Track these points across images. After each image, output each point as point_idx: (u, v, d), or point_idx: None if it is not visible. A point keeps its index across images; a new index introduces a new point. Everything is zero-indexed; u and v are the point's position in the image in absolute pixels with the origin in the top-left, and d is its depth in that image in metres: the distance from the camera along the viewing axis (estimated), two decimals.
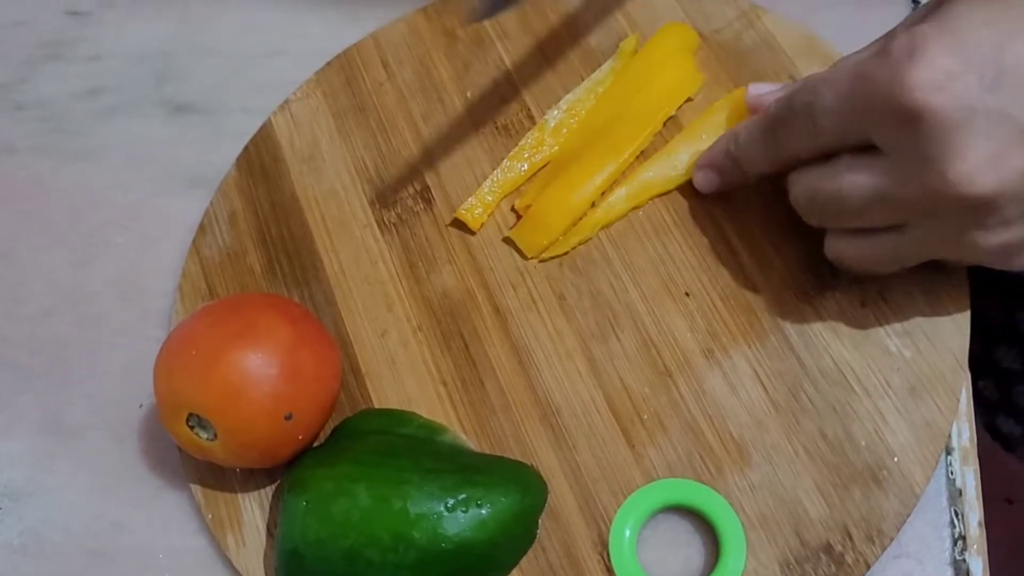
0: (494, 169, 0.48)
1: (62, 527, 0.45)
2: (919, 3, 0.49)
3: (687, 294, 0.44)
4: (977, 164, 0.32)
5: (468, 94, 0.51)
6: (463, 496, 0.38)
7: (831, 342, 0.42)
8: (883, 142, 0.35)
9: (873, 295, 0.42)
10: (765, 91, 0.43)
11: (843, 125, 0.36)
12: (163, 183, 0.53)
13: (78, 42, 0.59)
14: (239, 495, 0.43)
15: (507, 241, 0.47)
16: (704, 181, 0.45)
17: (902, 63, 0.33)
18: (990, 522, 0.39)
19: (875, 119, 0.35)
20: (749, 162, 0.42)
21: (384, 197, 0.49)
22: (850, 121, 0.36)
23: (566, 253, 0.46)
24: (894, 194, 0.35)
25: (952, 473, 0.40)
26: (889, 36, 0.38)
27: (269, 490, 0.43)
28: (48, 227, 0.53)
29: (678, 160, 0.46)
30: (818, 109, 0.36)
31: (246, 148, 0.52)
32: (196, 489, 0.44)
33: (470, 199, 0.47)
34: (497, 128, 0.50)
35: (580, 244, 0.46)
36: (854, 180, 0.36)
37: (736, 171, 0.43)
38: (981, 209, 0.34)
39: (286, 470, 0.42)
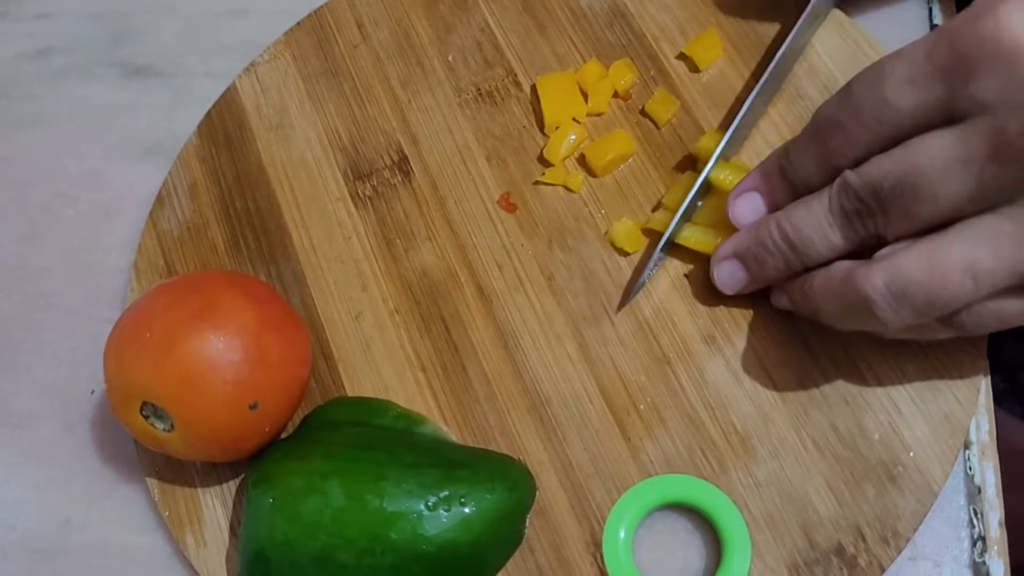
0: (477, 138, 0.46)
1: (7, 524, 0.43)
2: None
3: (686, 275, 0.42)
4: None
5: (450, 58, 0.49)
6: (445, 493, 0.36)
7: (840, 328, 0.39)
8: (977, 96, 0.31)
9: None
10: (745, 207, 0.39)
11: (920, 97, 0.33)
12: (118, 151, 0.51)
13: None
14: (199, 490, 0.41)
15: (501, 212, 0.44)
16: (728, 277, 0.39)
17: (995, 4, 0.31)
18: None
19: (964, 73, 0.31)
20: (799, 174, 0.37)
21: (359, 168, 0.47)
22: (930, 88, 0.32)
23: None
24: (984, 155, 0.31)
25: (971, 469, 0.38)
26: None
27: (232, 485, 0.41)
28: None
29: None
30: (888, 86, 0.33)
31: (208, 114, 0.49)
32: (152, 483, 0.42)
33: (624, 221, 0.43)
34: (481, 95, 0.47)
35: None
36: (933, 148, 0.32)
37: (779, 256, 0.37)
38: None
39: (251, 464, 0.40)
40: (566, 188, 0.44)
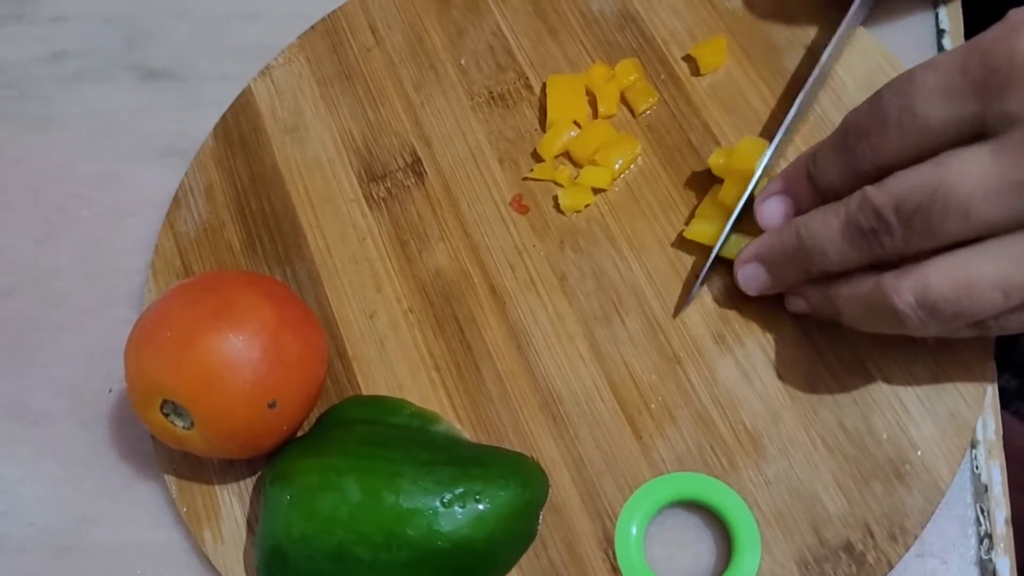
0: (489, 141, 0.46)
1: (25, 521, 0.43)
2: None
3: (696, 276, 0.42)
4: None
5: (462, 61, 0.49)
6: (460, 490, 0.37)
7: (849, 328, 0.39)
8: (1011, 112, 0.30)
9: None
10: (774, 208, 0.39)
11: (951, 109, 0.32)
12: (133, 153, 0.51)
13: (41, 2, 0.57)
14: (216, 487, 0.42)
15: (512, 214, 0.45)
16: (751, 279, 0.39)
17: None
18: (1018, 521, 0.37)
19: (998, 87, 0.31)
20: (825, 180, 0.37)
21: (372, 170, 0.47)
22: (962, 101, 0.32)
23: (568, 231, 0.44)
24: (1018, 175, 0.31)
25: (977, 467, 0.38)
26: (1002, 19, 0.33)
27: (249, 482, 0.42)
28: (8, 200, 0.51)
29: None
30: (919, 97, 0.32)
31: (224, 116, 0.50)
32: (170, 480, 0.42)
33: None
34: (493, 98, 0.48)
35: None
36: (968, 165, 0.31)
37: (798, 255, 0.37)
38: None
39: (268, 461, 0.40)
40: (555, 183, 0.45)
